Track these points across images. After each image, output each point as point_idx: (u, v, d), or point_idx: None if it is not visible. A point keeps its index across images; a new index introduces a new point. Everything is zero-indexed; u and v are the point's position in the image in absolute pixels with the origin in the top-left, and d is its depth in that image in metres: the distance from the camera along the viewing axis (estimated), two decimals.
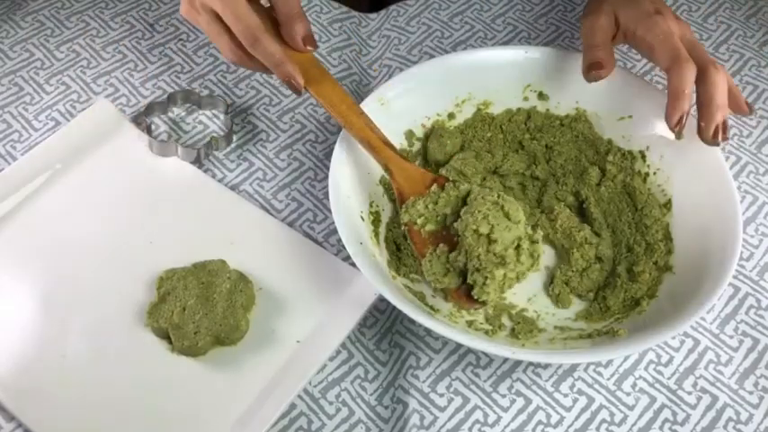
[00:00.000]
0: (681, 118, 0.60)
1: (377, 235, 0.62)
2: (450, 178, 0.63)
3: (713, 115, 0.60)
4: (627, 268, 0.62)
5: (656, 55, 0.62)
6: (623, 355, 0.59)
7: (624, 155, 0.67)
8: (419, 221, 0.57)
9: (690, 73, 0.60)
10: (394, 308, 0.57)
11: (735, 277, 0.64)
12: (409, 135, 0.68)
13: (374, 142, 0.60)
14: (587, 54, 0.65)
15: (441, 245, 0.58)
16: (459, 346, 0.60)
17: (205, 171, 0.69)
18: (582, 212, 0.66)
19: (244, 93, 0.75)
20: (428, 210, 0.58)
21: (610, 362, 0.60)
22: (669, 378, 0.59)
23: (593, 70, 0.63)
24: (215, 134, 0.72)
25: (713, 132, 0.60)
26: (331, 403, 0.57)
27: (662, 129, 0.66)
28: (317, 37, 0.79)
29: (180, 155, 0.68)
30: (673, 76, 0.60)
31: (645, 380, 0.59)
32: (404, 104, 0.67)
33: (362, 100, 0.65)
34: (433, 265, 0.57)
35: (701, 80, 0.61)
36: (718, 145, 0.60)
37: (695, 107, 0.61)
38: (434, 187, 0.60)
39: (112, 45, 0.78)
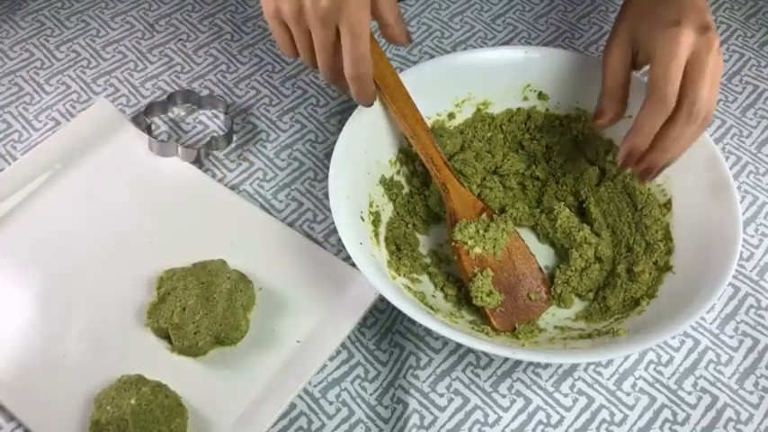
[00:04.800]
0: (629, 155, 0.58)
1: (377, 235, 0.62)
2: (497, 212, 0.65)
3: (637, 147, 0.58)
4: (627, 268, 0.62)
5: (650, 78, 0.57)
6: (623, 355, 0.59)
7: None
8: (469, 242, 0.60)
9: (658, 116, 0.56)
10: (394, 308, 0.57)
11: (735, 277, 0.65)
12: None
13: (436, 160, 0.62)
14: (598, 100, 0.64)
15: (488, 269, 0.60)
16: (459, 346, 0.60)
17: (205, 171, 0.69)
18: (582, 212, 0.66)
19: (244, 93, 0.75)
20: (478, 234, 0.61)
21: (610, 362, 0.60)
22: (669, 378, 0.59)
23: (593, 120, 0.64)
24: (215, 134, 0.72)
25: (624, 159, 0.59)
26: (331, 403, 0.57)
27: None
28: None
29: (180, 155, 0.68)
30: (642, 110, 0.57)
31: (645, 380, 0.59)
32: None
33: None
34: (483, 285, 0.59)
35: (665, 125, 0.56)
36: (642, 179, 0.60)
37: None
38: (484, 216, 0.62)
39: (112, 45, 0.78)
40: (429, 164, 0.62)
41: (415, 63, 0.77)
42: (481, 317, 0.60)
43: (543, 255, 0.65)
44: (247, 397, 0.56)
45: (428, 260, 0.64)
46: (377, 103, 0.65)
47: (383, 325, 0.61)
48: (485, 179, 0.66)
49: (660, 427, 0.57)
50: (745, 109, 0.77)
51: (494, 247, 0.61)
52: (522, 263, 0.62)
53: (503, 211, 0.66)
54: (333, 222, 0.59)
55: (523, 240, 0.63)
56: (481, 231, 0.61)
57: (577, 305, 0.62)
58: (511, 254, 0.62)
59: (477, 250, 0.60)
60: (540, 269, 0.63)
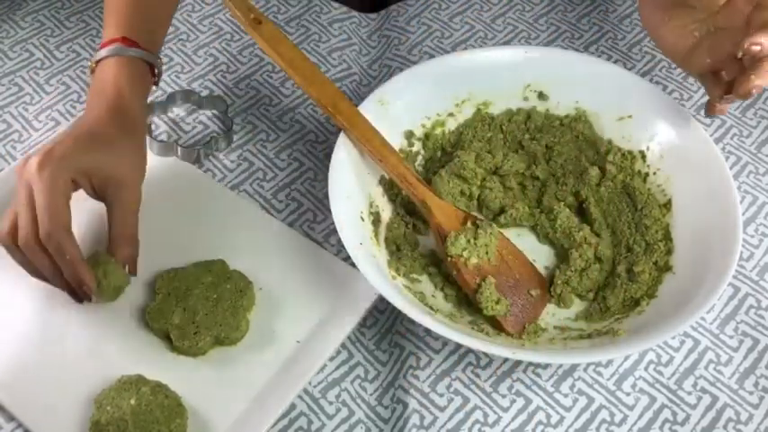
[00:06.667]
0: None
1: (377, 235, 0.62)
2: (479, 217, 0.64)
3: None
4: (627, 268, 0.62)
5: None
6: (623, 355, 0.59)
7: (624, 155, 0.67)
8: (464, 255, 0.60)
9: None
10: (394, 308, 0.57)
11: (735, 277, 0.64)
12: (409, 135, 0.68)
13: (410, 178, 0.62)
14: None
15: (489, 276, 0.60)
16: (459, 346, 0.60)
17: (205, 171, 0.69)
18: (582, 212, 0.66)
19: (244, 93, 0.75)
20: (470, 244, 0.60)
21: (610, 362, 0.60)
22: (669, 378, 0.59)
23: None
24: (215, 134, 0.72)
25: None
26: (331, 403, 0.57)
27: (662, 129, 0.66)
28: (316, 37, 0.80)
29: (180, 155, 0.68)
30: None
31: (645, 380, 0.59)
32: (404, 104, 0.67)
33: (362, 100, 0.65)
34: (491, 294, 0.59)
35: None
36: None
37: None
38: (469, 224, 0.62)
39: None
40: (403, 184, 0.62)
41: (414, 63, 0.77)
42: (482, 317, 0.60)
43: (543, 255, 0.65)
44: (247, 397, 0.56)
45: (428, 260, 0.64)
46: (377, 101, 0.65)
47: (383, 325, 0.61)
48: (485, 179, 0.66)
49: (660, 427, 0.57)
50: (745, 109, 0.77)
51: (486, 253, 0.61)
52: (515, 261, 0.62)
53: (503, 211, 0.66)
54: (333, 222, 0.59)
55: (508, 239, 0.63)
56: (472, 240, 0.60)
57: (577, 305, 0.62)
58: (503, 255, 0.62)
59: (474, 260, 0.60)
60: (530, 262, 0.63)
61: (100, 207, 0.59)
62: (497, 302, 0.58)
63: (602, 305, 0.60)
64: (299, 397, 0.57)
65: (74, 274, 0.55)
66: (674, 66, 0.80)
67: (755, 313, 0.63)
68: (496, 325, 0.59)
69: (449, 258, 0.60)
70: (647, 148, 0.66)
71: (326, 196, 0.60)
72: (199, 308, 0.58)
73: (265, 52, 0.66)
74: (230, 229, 0.64)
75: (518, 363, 0.59)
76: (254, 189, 0.68)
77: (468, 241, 0.60)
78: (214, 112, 0.74)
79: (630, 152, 0.67)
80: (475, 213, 0.66)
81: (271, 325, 0.59)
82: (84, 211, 0.65)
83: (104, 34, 0.63)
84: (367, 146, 0.62)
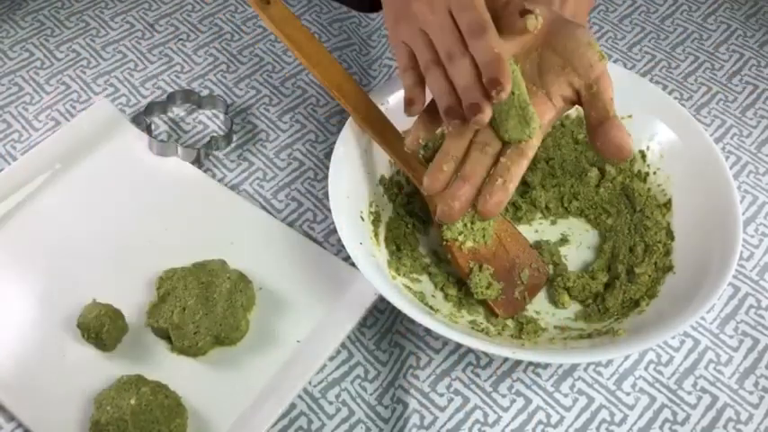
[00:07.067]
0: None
1: (377, 235, 0.62)
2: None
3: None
4: (627, 269, 0.62)
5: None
6: (623, 355, 0.59)
7: None
8: (460, 238, 0.60)
9: None
10: (394, 308, 0.57)
11: (735, 277, 0.64)
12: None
13: (413, 163, 0.62)
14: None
15: (486, 265, 0.60)
16: (459, 346, 0.60)
17: (205, 171, 0.69)
18: (580, 214, 0.66)
19: (244, 93, 0.75)
20: (467, 228, 0.60)
21: (610, 362, 0.60)
22: (669, 378, 0.59)
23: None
24: (215, 134, 0.72)
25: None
26: (331, 403, 0.57)
27: (662, 129, 0.66)
28: (316, 37, 0.79)
29: (180, 155, 0.68)
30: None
31: (645, 380, 0.59)
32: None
33: None
34: (481, 279, 0.59)
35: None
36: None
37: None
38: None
39: (112, 45, 0.78)
40: (405, 167, 0.62)
41: None
42: (482, 316, 0.60)
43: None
44: (247, 397, 0.56)
45: (428, 260, 0.64)
46: (377, 101, 0.65)
47: (383, 325, 0.61)
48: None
49: (660, 426, 0.57)
50: (745, 109, 0.77)
51: (483, 236, 0.60)
52: (513, 244, 0.62)
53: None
54: (333, 222, 0.59)
55: (509, 221, 0.63)
56: (468, 225, 0.60)
57: (577, 305, 0.62)
58: (501, 239, 0.61)
59: (469, 244, 0.60)
60: (530, 245, 0.63)
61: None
62: (488, 287, 0.59)
63: (601, 306, 0.60)
64: (299, 397, 0.57)
65: (490, 61, 0.51)
66: (673, 65, 0.80)
67: (755, 313, 0.63)
68: (488, 309, 0.59)
69: (444, 242, 0.60)
70: (647, 148, 0.66)
71: (326, 196, 0.60)
72: (199, 308, 0.58)
73: (273, 33, 0.66)
74: (230, 230, 0.64)
75: (518, 363, 0.59)
76: (254, 189, 0.68)
77: (465, 225, 0.60)
78: (214, 112, 0.74)
79: None
80: None
81: (271, 325, 0.59)
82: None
83: None
84: (369, 128, 0.62)
